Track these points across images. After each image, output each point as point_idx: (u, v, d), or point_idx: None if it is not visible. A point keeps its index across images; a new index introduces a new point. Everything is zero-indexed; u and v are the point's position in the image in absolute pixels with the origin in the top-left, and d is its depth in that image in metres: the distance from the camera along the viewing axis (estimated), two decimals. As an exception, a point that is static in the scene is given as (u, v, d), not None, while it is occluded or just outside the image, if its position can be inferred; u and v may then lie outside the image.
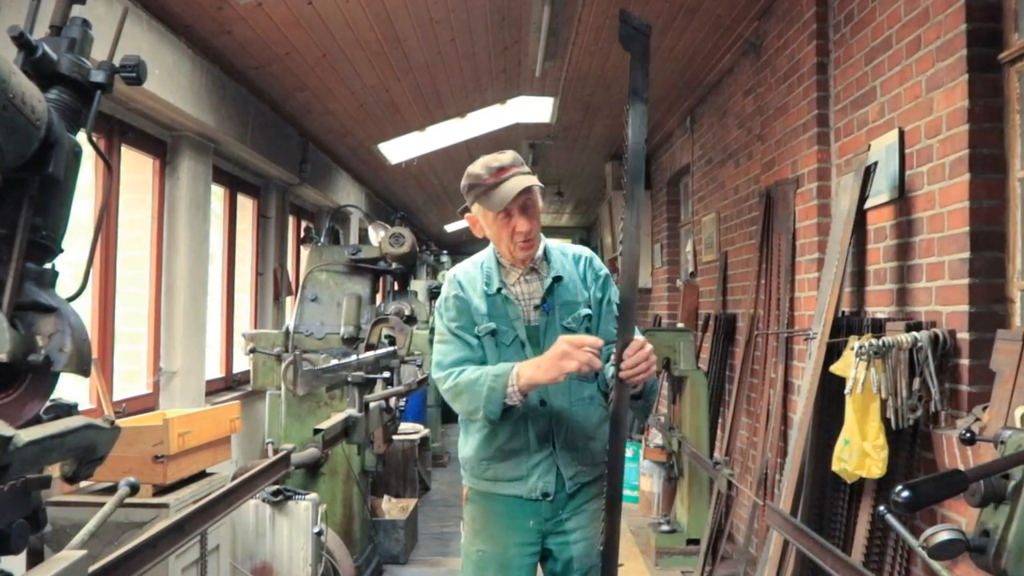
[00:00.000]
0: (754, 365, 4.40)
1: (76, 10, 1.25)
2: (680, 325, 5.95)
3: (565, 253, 2.17)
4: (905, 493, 1.24)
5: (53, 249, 1.18)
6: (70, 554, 1.16)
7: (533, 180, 2.00)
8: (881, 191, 3.04)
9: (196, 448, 3.02)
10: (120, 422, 1.56)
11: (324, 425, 3.05)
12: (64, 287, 1.20)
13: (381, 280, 5.06)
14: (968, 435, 1.44)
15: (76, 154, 1.18)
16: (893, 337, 2.57)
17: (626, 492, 5.54)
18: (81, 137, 1.22)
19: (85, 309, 3.59)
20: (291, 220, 6.56)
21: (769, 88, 4.28)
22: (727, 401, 4.98)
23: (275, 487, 3.19)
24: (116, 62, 1.26)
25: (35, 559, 1.60)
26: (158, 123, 4.14)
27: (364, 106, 5.72)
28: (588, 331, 2.05)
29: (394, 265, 4.44)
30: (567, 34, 4.73)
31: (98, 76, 1.22)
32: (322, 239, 4.81)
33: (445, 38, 4.71)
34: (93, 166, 3.61)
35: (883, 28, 3.06)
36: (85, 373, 1.13)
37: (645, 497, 5.58)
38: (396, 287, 4.90)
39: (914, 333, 2.56)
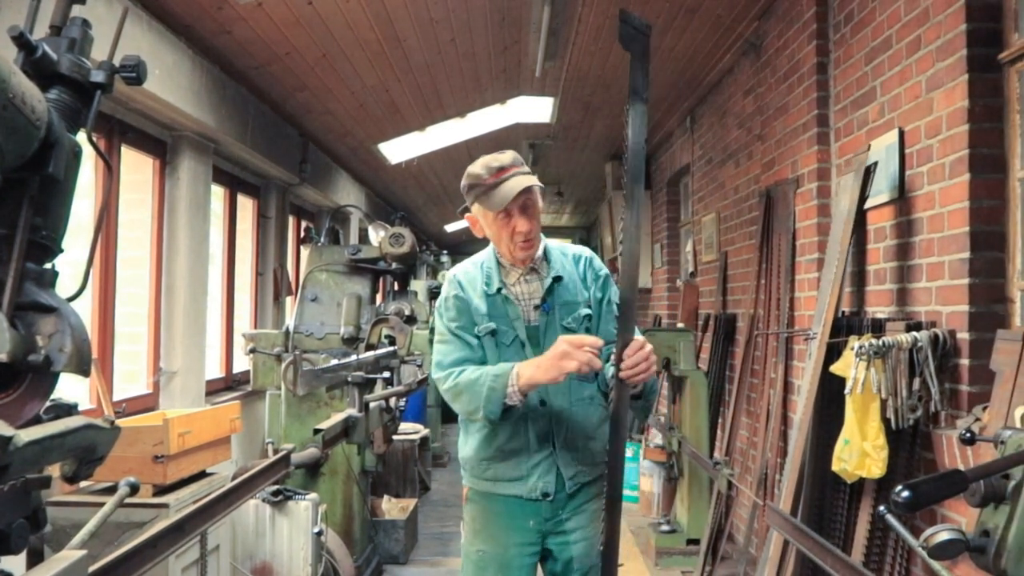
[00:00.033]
0: (754, 365, 4.40)
1: (76, 10, 1.25)
2: (680, 325, 5.95)
3: (565, 253, 2.17)
4: (905, 493, 1.24)
5: (53, 249, 1.18)
6: (70, 554, 1.16)
7: (533, 180, 1.99)
8: (881, 191, 3.04)
9: (196, 448, 3.02)
10: (120, 422, 1.56)
11: (324, 425, 3.05)
12: (64, 287, 1.20)
13: (381, 280, 5.06)
14: (968, 435, 1.44)
15: (76, 154, 1.18)
16: (893, 337, 2.57)
17: (626, 492, 5.54)
18: (81, 137, 1.22)
19: (85, 309, 3.59)
20: (291, 220, 6.56)
21: (769, 88, 4.28)
22: (727, 401, 4.98)
23: (275, 487, 3.19)
24: (116, 62, 1.26)
25: (35, 559, 1.60)
26: (158, 123, 4.14)
27: (364, 106, 5.72)
28: (588, 331, 2.05)
29: (394, 265, 4.45)
30: (567, 34, 4.73)
31: (98, 76, 1.22)
32: (322, 239, 4.81)
33: (445, 38, 4.71)
34: (93, 166, 3.61)
35: (883, 28, 3.06)
36: (85, 373, 1.13)
37: (645, 497, 5.58)
38: (396, 287, 4.90)
39: (914, 333, 2.56)
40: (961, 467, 2.07)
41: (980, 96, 2.49)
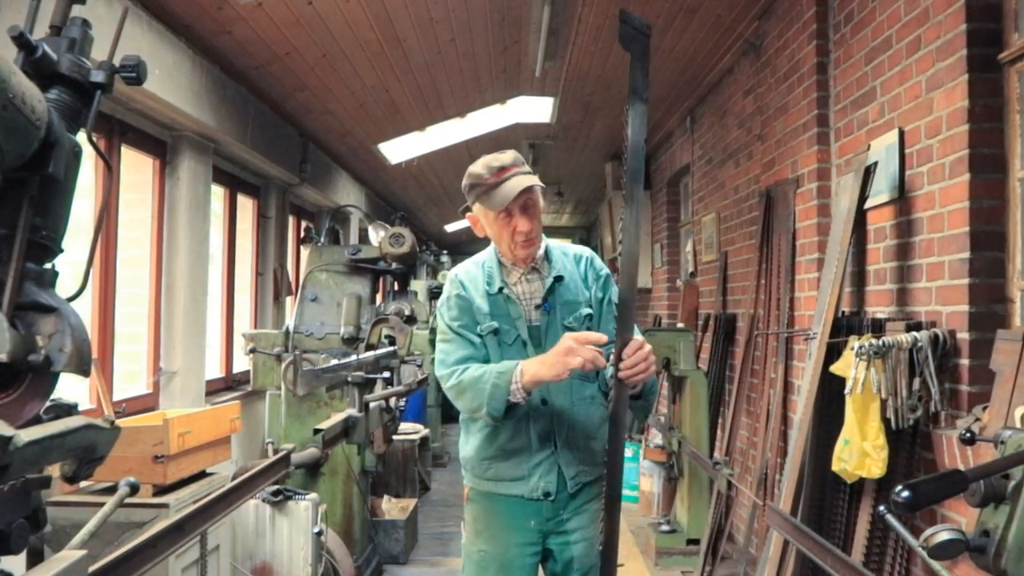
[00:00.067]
0: (754, 365, 4.40)
1: (76, 10, 1.25)
2: (680, 325, 5.95)
3: (566, 253, 2.17)
4: (905, 493, 1.24)
5: (53, 249, 1.18)
6: (70, 554, 1.16)
7: (534, 180, 2.00)
8: (881, 191, 3.04)
9: (196, 448, 3.02)
10: (120, 422, 1.56)
11: (324, 425, 3.05)
12: (64, 287, 1.20)
13: (381, 280, 5.06)
14: (968, 435, 1.44)
15: (76, 154, 1.19)
16: (893, 337, 2.57)
17: (626, 492, 5.55)
18: (81, 137, 1.22)
19: (85, 309, 3.59)
20: (291, 220, 6.56)
21: (769, 88, 4.28)
22: (727, 401, 4.98)
23: (275, 487, 3.19)
24: (116, 62, 1.26)
25: (35, 559, 1.59)
26: (158, 123, 4.14)
27: (364, 106, 5.72)
28: (590, 330, 2.05)
29: (394, 265, 4.44)
30: (567, 34, 4.73)
31: (98, 76, 1.22)
32: (322, 239, 4.81)
33: (445, 38, 4.71)
34: (93, 166, 3.61)
35: (883, 28, 3.06)
36: (85, 373, 1.13)
37: (645, 497, 5.58)
38: (396, 287, 4.90)
39: (914, 333, 2.56)
40: (961, 467, 2.07)
41: (980, 96, 2.49)
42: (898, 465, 2.66)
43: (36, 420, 1.10)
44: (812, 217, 3.65)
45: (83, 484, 2.80)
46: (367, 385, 3.51)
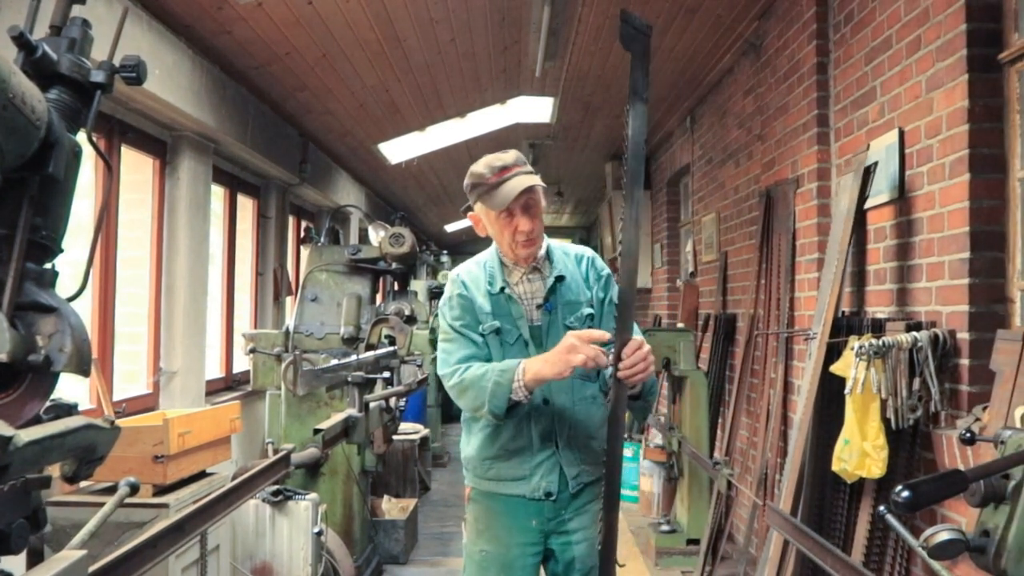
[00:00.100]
0: (754, 365, 4.40)
1: (76, 10, 1.25)
2: (680, 325, 5.95)
3: (567, 253, 2.18)
4: (905, 493, 1.24)
5: (53, 249, 1.18)
6: (70, 554, 1.16)
7: (536, 180, 2.00)
8: (881, 191, 3.04)
9: (196, 448, 3.02)
10: (120, 422, 1.56)
11: (324, 425, 3.05)
12: (64, 287, 1.20)
13: (381, 280, 5.06)
14: (968, 435, 1.44)
15: (76, 154, 1.19)
16: (893, 337, 2.57)
17: (626, 492, 5.55)
18: (81, 137, 1.22)
19: (85, 309, 3.59)
20: (291, 220, 6.56)
21: (769, 88, 4.28)
22: (727, 401, 4.98)
23: (275, 487, 3.19)
24: (116, 62, 1.26)
25: (35, 559, 1.60)
26: (158, 123, 4.14)
27: (364, 106, 5.72)
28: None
29: (394, 265, 4.45)
30: (567, 34, 4.73)
31: (98, 76, 1.22)
32: (322, 239, 4.81)
33: (445, 38, 4.71)
34: (93, 166, 3.61)
35: (883, 28, 3.06)
36: (85, 373, 1.13)
37: (645, 497, 5.58)
38: (396, 287, 4.90)
39: (914, 333, 2.56)
40: (961, 467, 2.07)
41: (980, 96, 2.49)
42: (898, 465, 2.66)
43: (36, 420, 1.10)
44: (812, 217, 3.65)
45: (83, 484, 2.80)
46: (367, 385, 3.51)
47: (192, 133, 4.32)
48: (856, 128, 3.33)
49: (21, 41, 1.12)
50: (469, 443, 2.15)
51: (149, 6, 3.55)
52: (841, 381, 2.72)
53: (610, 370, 1.84)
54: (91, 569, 1.50)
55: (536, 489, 2.05)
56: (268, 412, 4.53)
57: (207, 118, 4.21)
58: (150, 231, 4.19)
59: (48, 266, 1.18)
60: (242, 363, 5.14)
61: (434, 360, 6.60)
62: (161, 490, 2.85)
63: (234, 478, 2.67)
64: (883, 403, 2.58)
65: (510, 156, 2.04)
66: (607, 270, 2.19)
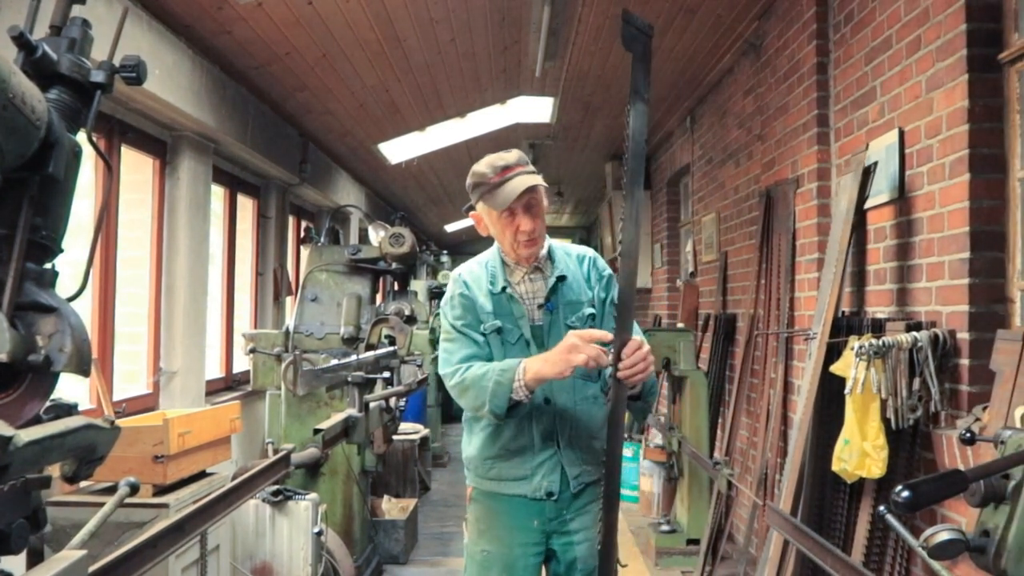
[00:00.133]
0: (754, 365, 4.40)
1: (76, 10, 1.25)
2: (680, 325, 5.95)
3: (569, 253, 2.18)
4: (905, 493, 1.24)
5: (53, 249, 1.18)
6: (70, 554, 1.16)
7: (538, 179, 2.00)
8: (881, 191, 3.04)
9: (196, 448, 3.02)
10: (120, 422, 1.56)
11: (324, 425, 3.05)
12: (64, 287, 1.20)
13: (381, 280, 5.06)
14: (968, 435, 1.44)
15: (76, 154, 1.19)
16: (893, 337, 2.57)
17: (626, 492, 5.55)
18: (81, 137, 1.22)
19: (85, 309, 3.59)
20: (291, 220, 6.56)
21: (769, 88, 4.28)
22: (727, 401, 4.98)
23: (275, 487, 3.19)
24: (116, 62, 1.26)
25: (35, 559, 1.60)
26: (158, 123, 4.14)
27: (364, 106, 5.72)
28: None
29: (394, 265, 4.45)
30: (567, 34, 4.73)
31: (98, 76, 1.22)
32: (322, 239, 4.81)
33: (445, 38, 4.71)
34: (93, 166, 3.61)
35: (883, 28, 3.06)
36: (85, 373, 1.13)
37: (645, 497, 5.58)
38: (396, 287, 4.90)
39: (914, 333, 2.56)
40: (961, 467, 2.07)
41: (980, 96, 2.49)
42: (898, 465, 2.66)
43: (36, 420, 1.10)
44: (812, 217, 3.65)
45: (83, 484, 2.80)
46: (367, 385, 3.51)
47: (192, 133, 4.32)
48: (856, 128, 3.33)
49: (21, 41, 1.12)
50: (471, 443, 2.15)
51: (149, 6, 3.55)
52: (841, 381, 2.72)
53: (610, 370, 1.84)
54: (91, 569, 1.50)
55: (537, 489, 2.05)
56: (268, 412, 4.53)
57: (207, 118, 4.21)
58: (150, 231, 4.19)
59: (48, 266, 1.18)
60: (242, 363, 5.14)
61: (434, 360, 6.63)
62: (161, 490, 2.85)
63: (234, 478, 2.67)
64: (883, 403, 2.58)
65: (512, 156, 2.04)
66: (609, 270, 2.19)
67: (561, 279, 2.09)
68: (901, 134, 2.91)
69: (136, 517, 2.65)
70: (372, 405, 3.58)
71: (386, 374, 3.80)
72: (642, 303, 7.96)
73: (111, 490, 2.54)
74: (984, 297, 2.49)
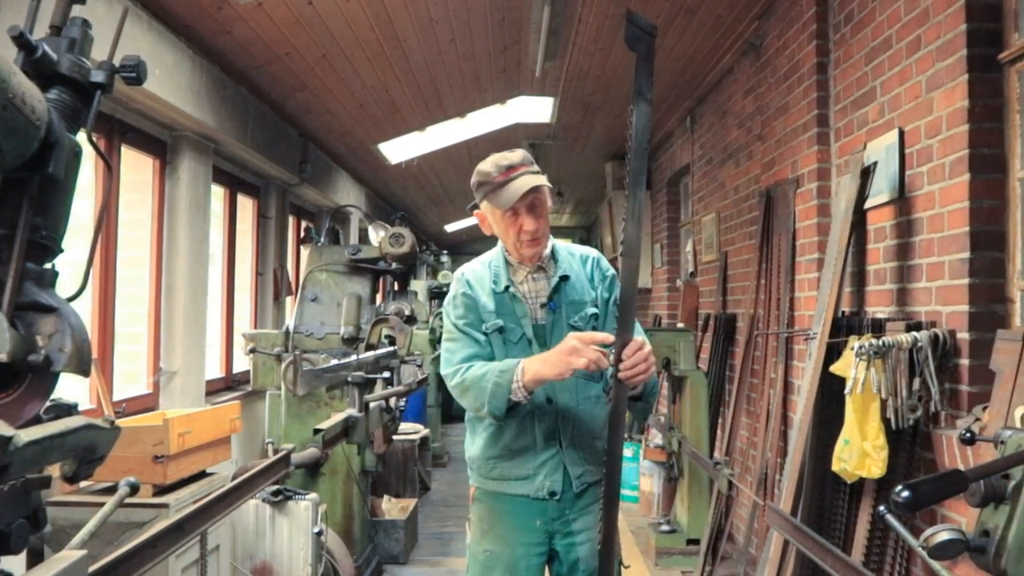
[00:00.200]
0: (754, 365, 4.40)
1: (76, 10, 1.25)
2: (680, 325, 5.95)
3: (572, 253, 2.18)
4: (905, 493, 1.24)
5: (53, 249, 1.18)
6: (70, 554, 1.16)
7: (542, 180, 2.01)
8: (881, 191, 3.04)
9: (196, 448, 3.02)
10: (120, 422, 1.56)
11: (324, 425, 3.05)
12: (64, 287, 1.20)
13: (381, 280, 5.06)
14: (968, 435, 1.44)
15: (76, 154, 1.19)
16: (893, 337, 2.57)
17: (626, 492, 5.55)
18: (81, 137, 1.22)
19: (85, 309, 3.59)
20: (291, 220, 6.56)
21: (769, 88, 4.28)
22: (727, 401, 4.98)
23: (275, 487, 3.19)
24: (116, 62, 1.26)
25: (35, 559, 1.60)
26: (158, 123, 4.14)
27: (364, 106, 5.72)
28: (595, 330, 2.05)
29: (394, 265, 4.45)
30: (567, 34, 4.73)
31: (98, 76, 1.22)
32: (322, 239, 4.81)
33: (445, 38, 4.71)
34: (93, 166, 3.61)
35: (883, 28, 3.06)
36: (85, 373, 1.13)
37: (645, 497, 5.58)
38: (396, 287, 4.90)
39: (914, 333, 2.56)
40: (961, 467, 2.07)
41: (980, 96, 2.49)
42: (898, 465, 2.66)
43: (36, 420, 1.10)
44: (812, 217, 3.65)
45: (83, 484, 2.80)
46: (367, 385, 3.52)
47: (192, 133, 4.32)
48: (856, 128, 3.33)
49: (21, 41, 1.12)
50: (473, 443, 2.15)
51: (149, 6, 3.55)
52: (841, 381, 2.72)
53: (611, 370, 1.84)
54: (91, 569, 1.50)
55: (540, 489, 2.05)
56: (268, 412, 4.53)
57: (207, 118, 4.21)
58: (150, 231, 4.19)
59: (48, 266, 1.18)
60: (242, 363, 5.14)
61: (434, 360, 6.63)
62: (161, 490, 2.85)
63: (234, 478, 2.67)
64: (883, 403, 2.58)
65: (517, 155, 2.05)
66: (612, 270, 2.19)
67: (564, 279, 2.09)
68: (901, 134, 2.91)
69: (136, 517, 2.65)
70: (372, 405, 3.58)
71: (386, 374, 3.80)
72: (642, 303, 7.96)
73: (111, 490, 2.54)
74: (984, 297, 2.49)
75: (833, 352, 2.93)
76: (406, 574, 4.55)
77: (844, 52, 3.45)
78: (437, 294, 9.12)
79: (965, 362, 2.50)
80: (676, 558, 4.63)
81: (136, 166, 4.13)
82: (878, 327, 2.85)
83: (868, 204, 3.14)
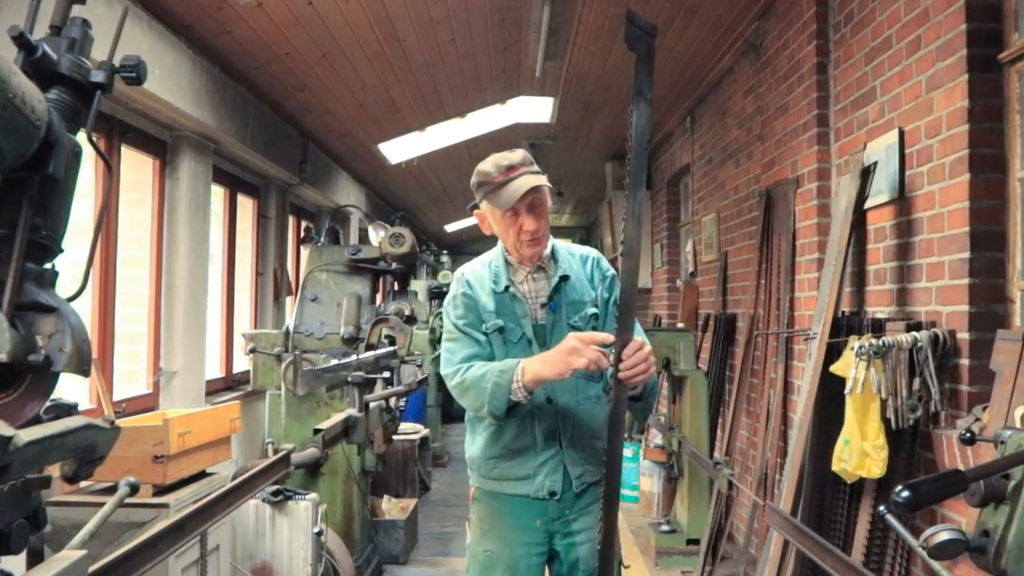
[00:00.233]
0: (754, 365, 4.40)
1: (76, 10, 1.25)
2: (680, 325, 5.95)
3: (572, 253, 2.18)
4: (905, 493, 1.24)
5: (53, 249, 1.18)
6: (70, 554, 1.16)
7: (542, 180, 2.01)
8: (881, 191, 3.04)
9: (196, 448, 3.02)
10: (120, 422, 1.56)
11: (324, 425, 3.05)
12: (64, 287, 1.20)
13: (381, 280, 5.06)
14: (968, 435, 1.44)
15: (76, 154, 1.19)
16: (893, 337, 2.57)
17: (626, 492, 5.55)
18: (81, 137, 1.22)
19: (85, 309, 3.59)
20: (291, 220, 6.56)
21: (769, 88, 4.28)
22: (727, 401, 4.98)
23: (275, 487, 3.19)
24: (116, 62, 1.26)
25: (35, 559, 1.60)
26: (158, 123, 4.14)
27: (364, 106, 5.72)
28: (595, 330, 2.05)
29: (394, 265, 4.45)
30: (567, 34, 4.73)
31: (98, 76, 1.22)
32: (322, 239, 4.81)
33: (445, 38, 4.71)
34: (93, 166, 3.61)
35: (883, 28, 3.06)
36: (85, 373, 1.13)
37: (645, 497, 5.58)
38: (396, 287, 4.90)
39: (914, 333, 2.56)
40: (961, 467, 2.07)
41: (980, 96, 2.49)
42: (898, 465, 2.66)
43: (36, 420, 1.10)
44: (812, 217, 3.66)
45: (83, 484, 2.80)
46: (367, 385, 3.52)
47: (192, 133, 4.32)
48: (856, 128, 3.33)
49: (21, 41, 1.12)
50: (473, 442, 2.15)
51: (149, 6, 3.55)
52: (841, 381, 2.72)
53: (611, 370, 1.84)
54: (91, 569, 1.50)
55: (540, 489, 2.05)
56: (268, 412, 4.53)
57: (207, 118, 4.21)
58: (150, 231, 4.19)
59: (48, 266, 1.18)
60: (242, 363, 5.14)
61: (434, 360, 6.63)
62: (161, 490, 2.85)
63: (234, 478, 2.67)
64: (883, 403, 2.58)
65: (517, 155, 2.05)
66: (612, 270, 2.19)
67: (564, 279, 2.10)
68: (901, 134, 2.91)
69: (136, 517, 2.65)
70: (372, 405, 3.58)
71: (386, 374, 3.80)
72: (642, 303, 7.96)
73: (111, 490, 2.54)
74: (984, 297, 2.49)
75: (833, 352, 2.93)
76: (406, 574, 4.55)
77: (844, 52, 3.45)
78: (437, 294, 9.12)
79: (965, 362, 2.50)
80: (676, 558, 4.63)
81: (136, 166, 4.13)
82: (878, 327, 2.85)
83: (868, 204, 3.14)
